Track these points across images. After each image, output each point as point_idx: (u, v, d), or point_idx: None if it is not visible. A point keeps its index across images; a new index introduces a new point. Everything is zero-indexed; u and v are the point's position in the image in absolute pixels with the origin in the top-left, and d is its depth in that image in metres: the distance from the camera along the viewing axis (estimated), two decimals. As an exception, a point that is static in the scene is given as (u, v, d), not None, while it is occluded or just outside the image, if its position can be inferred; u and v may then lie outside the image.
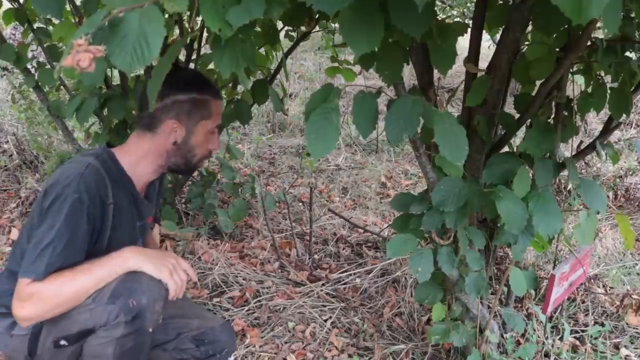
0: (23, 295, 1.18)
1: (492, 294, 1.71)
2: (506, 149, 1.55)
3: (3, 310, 1.32)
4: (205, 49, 2.26)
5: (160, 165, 1.41)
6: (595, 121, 4.33)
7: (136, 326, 1.22)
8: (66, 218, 1.20)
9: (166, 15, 1.62)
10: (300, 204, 3.11)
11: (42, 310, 1.19)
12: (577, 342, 1.88)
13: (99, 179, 1.29)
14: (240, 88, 2.18)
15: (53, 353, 1.27)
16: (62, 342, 1.25)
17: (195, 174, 2.61)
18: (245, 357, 1.78)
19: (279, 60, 2.04)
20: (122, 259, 1.25)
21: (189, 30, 1.99)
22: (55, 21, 2.07)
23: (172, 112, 1.34)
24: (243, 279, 2.24)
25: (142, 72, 2.21)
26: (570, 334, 1.87)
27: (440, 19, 1.34)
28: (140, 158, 1.38)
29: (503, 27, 1.38)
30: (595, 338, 1.89)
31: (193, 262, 2.32)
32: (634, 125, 4.18)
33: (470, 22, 1.45)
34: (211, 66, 2.07)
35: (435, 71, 1.33)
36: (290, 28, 2.13)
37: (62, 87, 2.50)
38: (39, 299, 1.18)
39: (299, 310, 2.06)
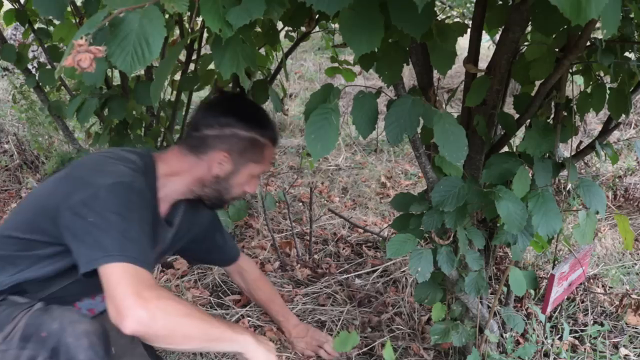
0: (142, 283, 0.99)
1: (491, 293, 1.72)
2: (506, 149, 1.56)
3: None
4: (206, 49, 2.26)
5: (191, 190, 1.31)
6: (594, 121, 4.33)
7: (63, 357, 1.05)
8: (133, 203, 1.10)
9: (166, 16, 1.62)
10: (300, 204, 3.11)
11: (161, 311, 0.98)
12: (577, 342, 1.88)
13: (144, 192, 1.18)
14: (240, 88, 2.18)
15: None
16: None
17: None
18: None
19: (279, 60, 2.04)
20: (232, 329, 1.13)
21: (190, 30, 1.99)
22: (56, 22, 2.07)
23: (226, 145, 1.25)
24: (243, 279, 2.24)
25: (142, 72, 2.21)
26: (570, 333, 1.87)
27: (439, 19, 1.35)
28: (175, 174, 1.28)
29: (502, 27, 1.38)
30: (595, 338, 1.89)
31: (193, 262, 2.32)
32: (633, 125, 4.18)
33: (470, 22, 1.46)
34: (211, 66, 2.07)
35: (435, 71, 1.34)
36: (290, 28, 2.13)
37: (62, 87, 2.51)
38: (164, 302, 1.00)
39: (299, 310, 2.06)
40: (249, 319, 1.99)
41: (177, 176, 1.28)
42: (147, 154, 1.28)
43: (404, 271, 2.28)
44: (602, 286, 2.24)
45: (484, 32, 1.49)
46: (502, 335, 1.72)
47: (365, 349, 1.83)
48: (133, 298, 0.97)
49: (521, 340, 1.83)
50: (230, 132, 1.24)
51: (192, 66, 2.15)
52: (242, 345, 1.12)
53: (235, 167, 1.28)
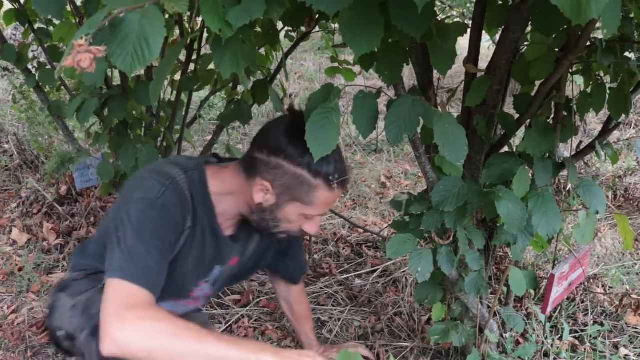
0: (128, 303, 0.99)
1: (491, 293, 1.72)
2: (506, 149, 1.56)
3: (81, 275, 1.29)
4: (206, 49, 2.26)
5: (242, 214, 1.24)
6: (594, 121, 4.33)
7: None
8: (158, 222, 1.10)
9: (166, 16, 1.62)
10: (300, 204, 3.11)
11: (134, 331, 0.96)
12: (577, 342, 1.88)
13: (181, 202, 1.14)
14: (240, 88, 2.18)
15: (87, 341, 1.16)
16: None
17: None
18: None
19: (279, 60, 2.04)
20: (252, 348, 0.99)
21: (190, 30, 1.99)
22: (56, 22, 2.07)
23: (270, 175, 1.13)
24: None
25: (142, 72, 2.21)
26: (570, 333, 1.87)
27: (439, 19, 1.34)
28: (228, 193, 1.21)
29: (502, 27, 1.38)
30: (595, 338, 1.89)
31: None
32: (633, 125, 4.18)
33: (470, 22, 1.45)
34: (211, 66, 2.07)
35: (435, 71, 1.34)
36: (290, 28, 2.13)
37: (62, 87, 2.50)
38: (140, 316, 0.97)
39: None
40: (248, 318, 1.99)
41: (230, 195, 1.21)
42: (198, 166, 1.21)
43: (404, 271, 2.28)
44: (602, 286, 2.24)
45: (484, 32, 1.49)
46: (502, 335, 1.72)
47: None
48: (111, 319, 0.96)
49: (521, 340, 1.83)
50: (276, 162, 1.12)
51: (192, 66, 2.15)
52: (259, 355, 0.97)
53: (278, 200, 1.16)
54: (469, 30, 1.41)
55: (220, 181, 1.21)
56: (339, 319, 2.01)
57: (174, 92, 2.21)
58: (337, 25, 2.00)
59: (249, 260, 1.43)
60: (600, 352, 1.81)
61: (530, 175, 1.33)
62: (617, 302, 2.09)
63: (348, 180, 1.19)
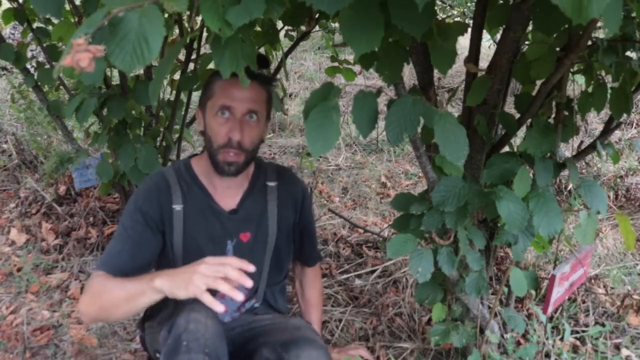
0: (88, 287, 1.25)
1: (492, 294, 1.71)
2: (506, 148, 1.55)
3: None
4: (205, 49, 2.26)
5: (208, 164, 1.33)
6: (595, 121, 4.32)
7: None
8: (125, 216, 1.30)
9: (166, 15, 1.62)
10: (300, 204, 3.10)
11: (84, 303, 1.23)
12: (578, 343, 1.88)
13: (162, 183, 1.33)
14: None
15: None
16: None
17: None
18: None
19: (279, 60, 2.03)
20: (150, 278, 1.16)
21: (189, 30, 1.99)
22: (55, 21, 2.06)
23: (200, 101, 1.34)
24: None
25: (142, 71, 2.21)
26: (571, 334, 1.86)
27: (440, 18, 1.34)
28: (207, 162, 1.33)
29: (503, 26, 1.38)
30: (596, 338, 1.88)
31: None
32: (634, 125, 4.18)
33: (471, 21, 1.45)
34: (211, 66, 2.07)
35: (436, 71, 1.33)
36: (290, 28, 2.13)
37: (61, 87, 2.50)
38: (86, 290, 1.24)
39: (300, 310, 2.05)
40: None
41: (208, 162, 1.33)
42: (185, 159, 1.40)
43: (404, 271, 2.28)
44: (604, 286, 2.24)
45: (484, 31, 1.49)
46: (502, 336, 1.72)
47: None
48: (79, 303, 1.30)
49: (522, 341, 1.82)
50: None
51: (191, 65, 2.15)
52: (160, 289, 1.12)
53: (203, 114, 1.31)
54: (469, 30, 1.40)
55: (200, 160, 1.37)
56: (340, 320, 2.01)
57: (174, 92, 2.21)
58: (337, 25, 2.00)
59: (271, 236, 1.43)
60: (601, 352, 1.81)
61: (531, 175, 1.32)
62: (619, 303, 2.09)
63: (245, 71, 1.24)
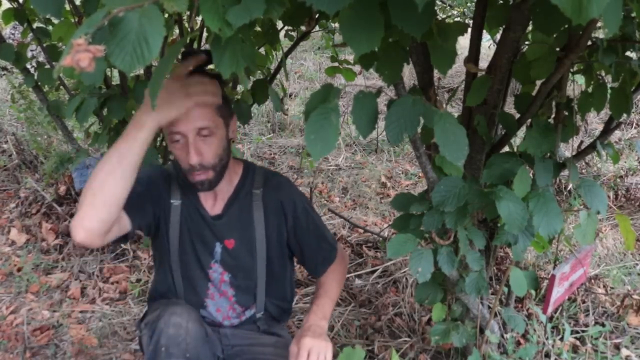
0: None
1: (492, 294, 1.71)
2: (506, 148, 1.55)
3: None
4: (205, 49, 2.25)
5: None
6: (595, 121, 4.32)
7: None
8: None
9: (166, 15, 1.61)
10: (300, 204, 3.10)
11: (79, 216, 1.12)
12: (578, 343, 1.88)
13: (165, 176, 1.36)
14: (240, 88, 2.18)
15: None
16: None
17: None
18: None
19: (279, 60, 2.03)
20: (133, 119, 1.13)
21: (189, 30, 1.98)
22: (55, 21, 2.06)
23: None
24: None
25: (142, 71, 2.21)
26: (571, 334, 1.86)
27: (440, 18, 1.34)
28: None
29: (503, 26, 1.38)
30: (596, 338, 1.88)
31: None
32: (634, 125, 4.18)
33: (471, 21, 1.45)
34: (211, 66, 2.06)
35: (435, 71, 1.33)
36: (290, 28, 2.12)
37: (61, 87, 2.50)
38: (78, 207, 1.15)
39: (300, 310, 2.05)
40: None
41: None
42: None
43: (404, 271, 2.28)
44: (604, 286, 2.24)
45: (484, 31, 1.49)
46: (502, 336, 1.72)
47: (366, 349, 1.83)
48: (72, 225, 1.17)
49: (522, 341, 1.83)
50: None
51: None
52: (141, 122, 1.11)
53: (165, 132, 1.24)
54: (469, 30, 1.40)
55: None
56: (340, 320, 2.01)
57: (174, 92, 2.20)
58: (337, 25, 1.99)
59: (260, 243, 1.38)
60: (601, 352, 1.81)
61: (531, 175, 1.32)
62: (619, 303, 2.09)
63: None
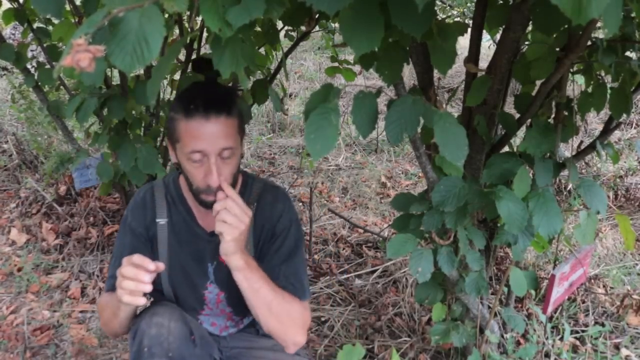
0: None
1: (492, 294, 1.71)
2: (506, 148, 1.55)
3: None
4: (205, 49, 2.26)
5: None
6: (595, 121, 4.32)
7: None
8: (118, 236, 1.35)
9: (166, 15, 1.62)
10: (300, 204, 3.11)
11: (101, 322, 1.33)
12: (578, 343, 1.88)
13: (147, 198, 1.34)
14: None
15: None
16: None
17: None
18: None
19: (279, 60, 2.03)
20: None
21: (189, 30, 1.99)
22: (55, 21, 2.06)
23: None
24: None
25: (142, 72, 2.21)
26: (571, 334, 1.86)
27: (440, 18, 1.34)
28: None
29: (503, 26, 1.38)
30: (596, 338, 1.89)
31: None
32: (634, 125, 4.18)
33: (470, 22, 1.45)
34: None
35: (435, 71, 1.33)
36: (290, 28, 2.12)
37: (61, 87, 2.50)
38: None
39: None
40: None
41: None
42: (174, 172, 1.37)
43: (404, 271, 2.28)
44: (603, 286, 2.24)
45: (484, 31, 1.49)
46: (502, 336, 1.72)
47: (366, 348, 1.83)
48: None
49: (522, 341, 1.83)
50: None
51: (191, 65, 2.14)
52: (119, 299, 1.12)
53: (173, 150, 1.19)
54: (469, 30, 1.40)
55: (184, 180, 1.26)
56: (339, 319, 2.01)
57: (174, 92, 2.21)
58: (337, 25, 1.99)
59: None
60: (601, 352, 1.81)
61: (530, 175, 1.33)
62: (618, 303, 2.09)
63: (207, 105, 1.12)
